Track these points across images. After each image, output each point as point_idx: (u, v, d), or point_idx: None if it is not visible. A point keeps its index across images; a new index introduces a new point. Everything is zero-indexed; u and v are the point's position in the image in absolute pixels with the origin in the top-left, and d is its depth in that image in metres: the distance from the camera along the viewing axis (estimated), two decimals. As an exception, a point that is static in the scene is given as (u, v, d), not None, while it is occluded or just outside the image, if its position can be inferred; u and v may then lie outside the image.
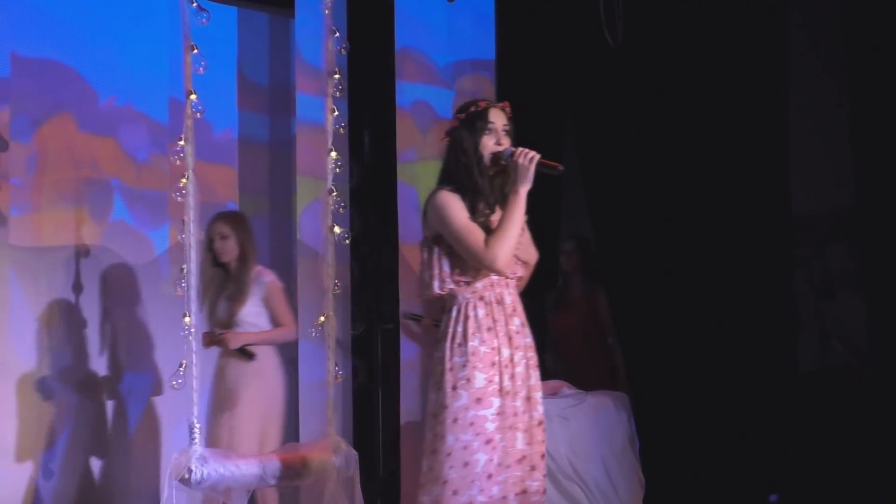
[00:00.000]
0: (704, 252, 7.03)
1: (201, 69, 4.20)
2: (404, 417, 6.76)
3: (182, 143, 4.13)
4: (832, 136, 6.88)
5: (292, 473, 4.28)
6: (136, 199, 6.63)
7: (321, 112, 4.66)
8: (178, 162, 4.15)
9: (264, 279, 5.99)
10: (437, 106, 7.24)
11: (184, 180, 4.12)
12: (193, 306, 4.07)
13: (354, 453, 4.47)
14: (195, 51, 4.18)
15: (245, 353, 5.87)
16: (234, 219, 6.10)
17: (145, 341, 6.61)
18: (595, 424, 6.49)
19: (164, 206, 6.63)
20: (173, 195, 4.18)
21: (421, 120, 7.18)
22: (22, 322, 6.11)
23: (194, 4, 4.20)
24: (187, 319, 4.06)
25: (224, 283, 6.00)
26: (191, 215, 4.10)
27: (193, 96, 4.17)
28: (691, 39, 7.09)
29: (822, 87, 6.91)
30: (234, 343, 5.84)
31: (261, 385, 5.88)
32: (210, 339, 5.86)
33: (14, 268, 6.04)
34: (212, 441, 5.55)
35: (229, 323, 5.92)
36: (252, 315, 5.94)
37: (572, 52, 7.45)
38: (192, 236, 4.09)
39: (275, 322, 5.99)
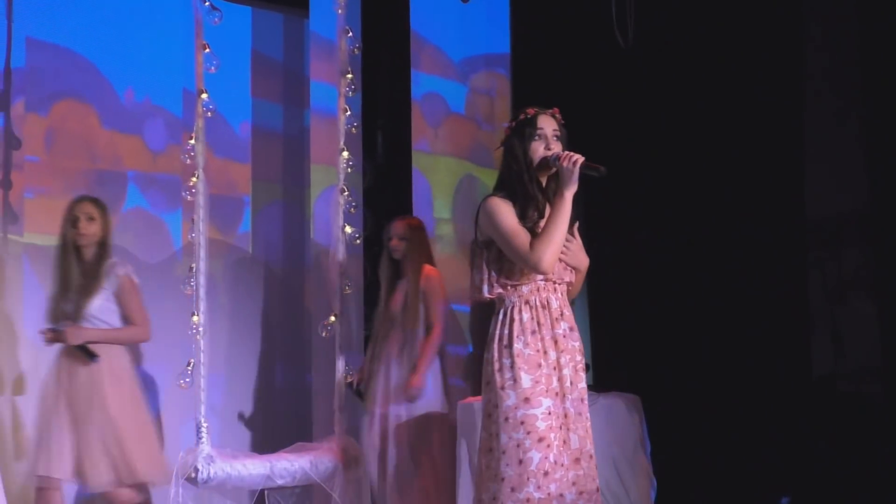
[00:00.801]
0: (718, 254, 7.01)
1: (213, 68, 4.21)
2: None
3: (192, 141, 4.13)
4: (846, 139, 6.84)
5: (300, 473, 4.28)
6: (150, 183, 6.61)
7: (335, 102, 4.67)
8: (188, 160, 4.16)
9: (118, 272, 5.50)
10: (451, 101, 7.25)
11: (194, 179, 4.13)
12: (202, 305, 4.07)
13: (362, 454, 4.46)
14: (207, 49, 4.19)
15: (87, 352, 5.34)
16: (102, 204, 5.67)
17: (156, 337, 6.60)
18: (607, 426, 6.49)
19: (179, 192, 6.59)
20: (183, 194, 4.19)
21: (434, 115, 7.17)
22: (34, 317, 6.12)
23: (207, 3, 4.20)
24: (195, 318, 4.07)
25: (75, 272, 5.55)
26: (200, 214, 4.10)
27: (205, 95, 4.18)
28: (704, 41, 7.07)
29: (836, 90, 6.87)
30: (75, 339, 5.32)
31: (119, 391, 5.37)
32: (50, 335, 5.41)
33: (28, 257, 6.04)
34: (57, 462, 5.16)
35: (76, 316, 5.44)
36: (102, 310, 5.47)
37: (584, 53, 7.43)
38: (202, 235, 4.09)
39: (125, 320, 5.49)
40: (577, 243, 4.21)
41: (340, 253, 4.57)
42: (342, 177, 4.55)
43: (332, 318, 4.54)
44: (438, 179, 7.03)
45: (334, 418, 4.44)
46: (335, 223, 4.58)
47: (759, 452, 6.71)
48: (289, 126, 7.38)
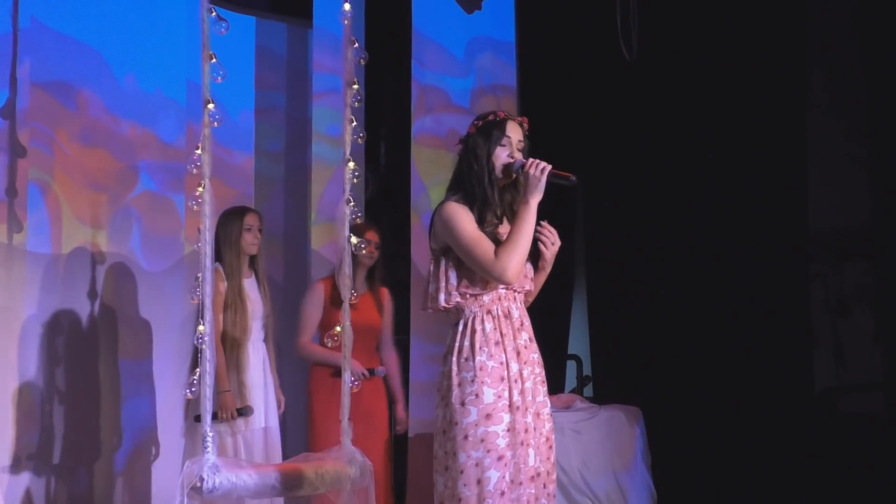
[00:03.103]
0: (720, 267, 7.03)
1: (220, 78, 4.18)
2: (412, 430, 6.75)
3: (199, 151, 4.12)
4: (848, 154, 6.87)
5: (306, 484, 4.26)
6: (159, 170, 6.61)
7: (338, 122, 4.65)
8: (194, 171, 4.14)
9: None
10: (454, 97, 7.25)
11: (200, 189, 4.10)
12: (207, 315, 4.06)
13: (369, 464, 4.44)
14: (213, 60, 4.17)
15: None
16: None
17: (148, 345, 6.59)
18: (607, 438, 6.50)
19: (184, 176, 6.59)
20: (189, 204, 4.17)
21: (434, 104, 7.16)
22: (34, 324, 6.11)
23: (213, 14, 4.19)
24: (201, 328, 4.04)
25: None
26: (206, 224, 4.08)
27: (211, 105, 4.15)
28: (707, 54, 7.10)
29: (839, 105, 6.90)
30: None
31: None
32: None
33: (30, 264, 6.04)
34: None
35: None
36: None
37: (588, 65, 7.45)
38: (208, 245, 4.07)
39: None
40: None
41: (346, 263, 4.55)
42: (348, 187, 4.52)
43: (338, 329, 4.52)
44: (440, 197, 7.03)
45: (340, 428, 4.42)
46: (341, 233, 4.56)
47: (760, 465, 6.72)
48: (291, 158, 7.39)
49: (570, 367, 7.67)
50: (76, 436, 6.23)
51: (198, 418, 5.45)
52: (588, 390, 7.60)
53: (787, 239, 6.91)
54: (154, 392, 6.55)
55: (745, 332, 6.92)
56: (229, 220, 5.78)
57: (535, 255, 4.04)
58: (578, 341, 7.81)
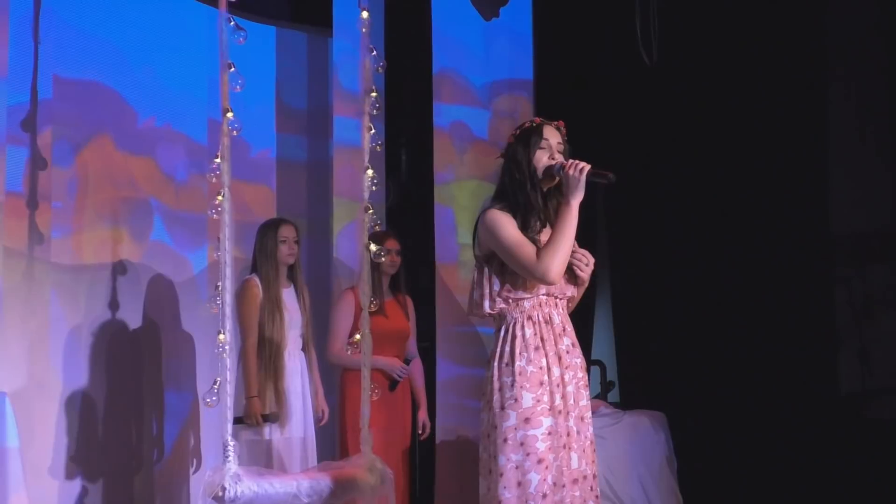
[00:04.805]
0: (744, 271, 7.00)
1: (238, 87, 4.19)
2: (439, 436, 6.74)
3: (218, 160, 4.12)
4: (871, 156, 6.83)
5: (327, 492, 4.26)
6: (174, 220, 6.65)
7: (358, 133, 4.65)
8: (214, 179, 4.14)
9: None
10: (474, 127, 7.25)
11: (220, 198, 4.11)
12: (228, 324, 4.06)
13: (390, 472, 4.44)
14: (232, 69, 4.18)
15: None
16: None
17: (183, 359, 6.62)
18: (632, 444, 6.48)
19: (203, 228, 6.64)
20: (209, 212, 4.18)
21: (459, 141, 7.18)
22: (62, 341, 6.13)
23: (232, 23, 4.20)
24: (221, 337, 4.05)
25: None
26: (226, 233, 4.09)
27: (230, 114, 4.16)
28: (728, 58, 7.07)
29: (861, 107, 6.86)
30: None
31: None
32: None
33: (55, 288, 6.06)
34: None
35: None
36: None
37: (608, 71, 7.44)
38: (228, 254, 4.08)
39: None
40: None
41: (365, 271, 4.56)
42: (366, 195, 4.52)
43: (357, 337, 4.52)
44: (461, 205, 7.03)
45: (361, 436, 4.42)
46: (359, 241, 4.56)
47: (786, 471, 6.68)
48: (313, 156, 7.41)
49: (594, 372, 7.64)
50: (116, 446, 6.27)
51: (238, 420, 5.53)
52: (612, 396, 7.58)
53: (811, 242, 6.88)
54: (194, 402, 6.59)
55: (770, 337, 6.89)
56: (265, 232, 5.86)
57: (571, 275, 4.06)
58: (602, 347, 7.79)
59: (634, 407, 6.88)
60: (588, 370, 7.48)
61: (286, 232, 5.88)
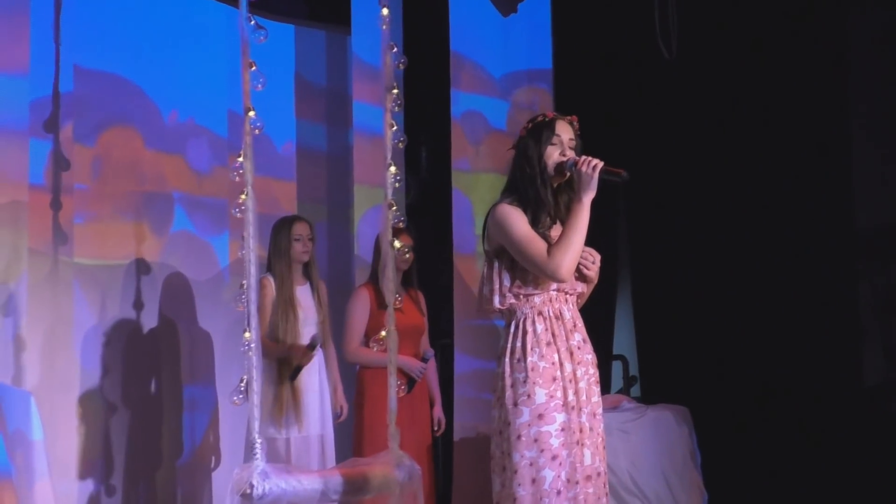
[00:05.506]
0: (767, 265, 6.98)
1: (260, 86, 4.20)
2: (457, 433, 6.74)
3: (241, 159, 4.13)
4: (895, 149, 6.80)
5: (355, 489, 4.26)
6: (196, 206, 6.67)
7: (378, 122, 4.66)
8: (237, 178, 4.15)
9: None
10: (491, 117, 7.24)
11: (243, 196, 4.12)
12: (253, 321, 4.07)
13: (417, 468, 4.44)
14: (253, 68, 4.19)
15: None
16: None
17: (203, 356, 6.63)
18: (655, 438, 6.47)
19: (225, 213, 6.65)
20: (233, 211, 4.18)
21: (472, 131, 7.16)
22: (85, 338, 6.16)
23: (252, 22, 4.21)
24: (247, 335, 4.06)
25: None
26: (250, 231, 4.10)
27: (252, 113, 4.17)
28: (748, 49, 7.05)
29: (884, 101, 6.83)
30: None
31: None
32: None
33: (79, 284, 6.10)
34: None
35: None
36: None
37: (627, 65, 7.43)
38: (252, 252, 4.09)
39: None
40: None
41: (389, 268, 4.55)
42: (390, 192, 4.52)
43: (383, 334, 4.52)
44: (479, 196, 7.02)
45: (388, 433, 4.42)
46: (384, 238, 4.56)
47: (809, 464, 6.67)
48: (333, 145, 7.43)
49: (616, 367, 7.63)
50: (136, 446, 6.29)
51: (293, 375, 5.61)
52: (635, 390, 7.57)
53: (835, 237, 6.86)
54: (215, 400, 6.60)
55: (794, 331, 6.87)
56: (279, 231, 5.86)
57: (579, 273, 4.04)
58: (624, 341, 7.78)
59: (657, 401, 6.86)
60: (610, 365, 7.54)
61: (300, 230, 5.87)
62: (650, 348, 7.60)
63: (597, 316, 7.14)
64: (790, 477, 6.73)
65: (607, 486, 4.02)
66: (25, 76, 5.80)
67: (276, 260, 5.84)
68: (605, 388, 7.31)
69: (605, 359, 7.45)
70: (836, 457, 6.63)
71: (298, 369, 5.72)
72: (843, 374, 6.78)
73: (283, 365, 5.73)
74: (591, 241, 4.02)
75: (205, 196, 6.71)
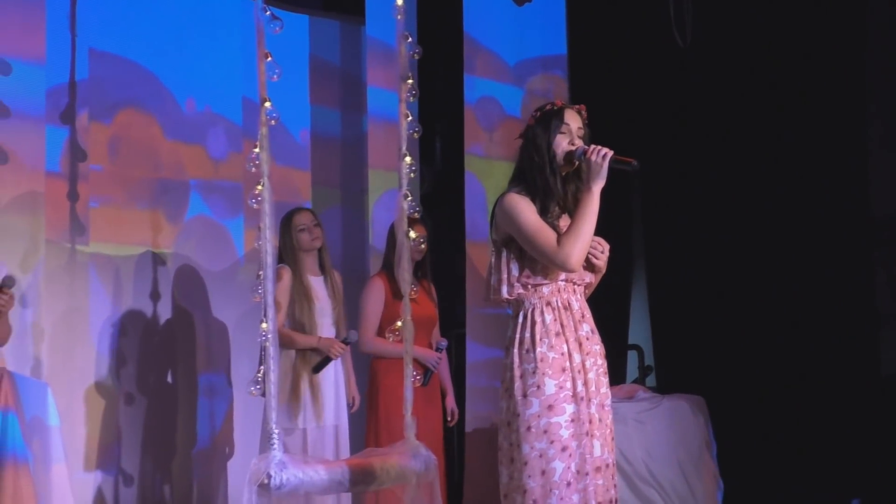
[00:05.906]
0: (782, 253, 6.97)
1: (275, 77, 4.20)
2: (470, 425, 6.74)
3: (257, 150, 4.13)
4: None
5: (372, 479, 4.27)
6: (211, 190, 6.69)
7: (393, 105, 4.66)
8: (253, 169, 4.15)
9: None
10: (506, 103, 7.23)
11: (259, 187, 4.12)
12: (270, 312, 4.07)
13: (434, 458, 4.44)
14: (269, 58, 4.19)
15: None
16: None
17: (218, 345, 6.65)
18: (671, 428, 6.46)
19: (240, 195, 6.66)
20: (249, 202, 4.19)
21: (485, 117, 7.15)
22: (102, 326, 6.19)
23: (268, 13, 4.20)
24: (264, 325, 4.06)
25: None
26: (266, 222, 4.10)
27: (268, 104, 4.16)
28: (763, 37, 7.03)
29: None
30: None
31: None
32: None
33: (95, 269, 6.12)
34: None
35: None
36: None
37: (642, 53, 7.41)
38: (269, 242, 4.09)
39: None
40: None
41: (405, 259, 4.55)
42: (405, 182, 4.51)
43: (399, 324, 4.53)
44: (492, 183, 7.01)
45: (404, 423, 4.43)
46: (399, 229, 4.56)
47: (827, 452, 6.65)
48: (347, 131, 7.43)
49: (632, 357, 7.62)
50: (152, 435, 6.31)
51: (316, 368, 5.64)
52: (650, 380, 7.56)
53: (851, 226, 6.84)
54: (230, 389, 6.62)
55: (810, 319, 6.86)
56: (283, 226, 5.84)
57: (587, 263, 4.00)
58: (639, 331, 7.77)
59: (673, 391, 6.86)
60: (626, 355, 7.53)
61: (301, 219, 5.86)
62: (665, 338, 7.59)
63: (612, 306, 7.17)
64: (806, 466, 6.72)
65: (616, 478, 3.98)
66: (42, 64, 5.82)
67: (287, 255, 5.83)
68: (621, 377, 7.33)
69: (620, 349, 7.45)
70: (853, 446, 6.62)
71: (326, 362, 5.73)
72: (860, 362, 6.77)
73: (305, 356, 5.72)
74: (605, 232, 3.99)
75: (220, 180, 6.72)
